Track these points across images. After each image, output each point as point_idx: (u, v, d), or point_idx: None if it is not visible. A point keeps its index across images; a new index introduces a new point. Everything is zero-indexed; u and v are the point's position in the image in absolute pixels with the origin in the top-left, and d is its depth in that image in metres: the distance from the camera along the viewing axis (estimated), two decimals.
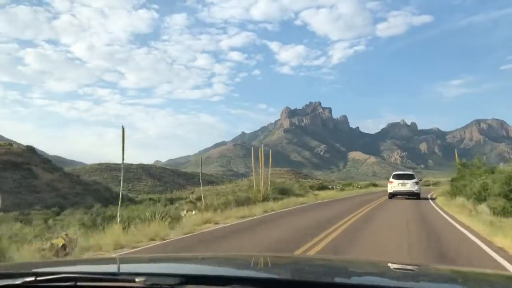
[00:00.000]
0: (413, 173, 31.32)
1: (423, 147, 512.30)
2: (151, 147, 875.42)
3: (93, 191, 51.06)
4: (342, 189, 53.48)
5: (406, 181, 28.49)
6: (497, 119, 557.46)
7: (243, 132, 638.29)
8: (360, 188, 63.80)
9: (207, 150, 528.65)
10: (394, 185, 28.68)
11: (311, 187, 50.66)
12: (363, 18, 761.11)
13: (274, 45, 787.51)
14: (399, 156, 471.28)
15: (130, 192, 77.73)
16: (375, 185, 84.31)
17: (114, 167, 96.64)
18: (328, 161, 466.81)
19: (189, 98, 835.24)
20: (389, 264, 2.18)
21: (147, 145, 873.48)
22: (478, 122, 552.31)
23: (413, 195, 28.03)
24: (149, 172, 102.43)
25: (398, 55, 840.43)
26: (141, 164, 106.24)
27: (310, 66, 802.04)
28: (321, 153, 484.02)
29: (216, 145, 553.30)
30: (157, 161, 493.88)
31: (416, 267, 2.27)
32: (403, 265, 2.21)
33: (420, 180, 32.09)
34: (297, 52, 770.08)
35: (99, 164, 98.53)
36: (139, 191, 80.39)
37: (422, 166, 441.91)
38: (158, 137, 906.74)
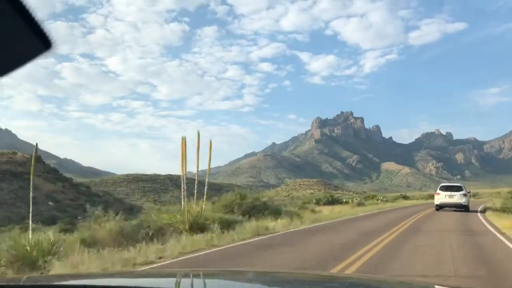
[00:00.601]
0: (461, 184, 30.37)
1: (459, 157, 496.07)
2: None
3: (100, 203, 49.62)
4: (359, 204, 40.07)
5: (453, 193, 27.79)
6: None
7: (273, 143, 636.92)
8: (386, 201, 51.27)
9: (238, 160, 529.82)
10: (441, 197, 28.06)
11: (319, 201, 42.60)
12: (395, 26, 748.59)
13: (304, 56, 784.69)
14: (434, 167, 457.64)
15: (155, 202, 77.26)
16: (405, 197, 73.42)
17: (142, 178, 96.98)
18: (361, 172, 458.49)
19: (220, 109, 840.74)
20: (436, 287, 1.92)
21: (179, 156, 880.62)
22: None
23: (461, 208, 27.09)
24: (176, 183, 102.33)
25: (431, 63, 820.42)
26: (168, 174, 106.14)
27: (341, 75, 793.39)
28: (353, 164, 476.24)
29: (247, 156, 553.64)
30: (189, 171, 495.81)
31: None
32: None
33: (469, 192, 31.10)
34: (327, 62, 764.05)
35: (127, 175, 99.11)
36: (164, 202, 79.93)
37: (458, 177, 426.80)
38: (190, 148, 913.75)
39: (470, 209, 28.06)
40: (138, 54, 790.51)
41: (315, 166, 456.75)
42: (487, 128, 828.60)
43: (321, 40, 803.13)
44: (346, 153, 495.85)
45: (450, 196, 27.64)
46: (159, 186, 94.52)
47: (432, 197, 45.66)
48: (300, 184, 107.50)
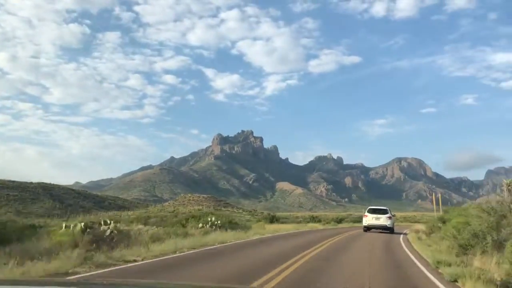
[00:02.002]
0: (387, 208, 31.74)
1: (348, 181, 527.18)
2: (73, 167, 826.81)
3: None
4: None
5: (380, 216, 29.63)
6: (416, 158, 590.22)
7: (172, 157, 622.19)
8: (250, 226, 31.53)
9: (132, 173, 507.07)
10: (369, 219, 29.79)
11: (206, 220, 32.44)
12: (297, 53, 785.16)
13: (209, 72, 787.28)
14: (325, 189, 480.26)
15: (19, 214, 66.85)
16: (316, 220, 59.82)
17: (8, 185, 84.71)
18: (257, 190, 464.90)
19: (118, 118, 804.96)
20: None
21: (69, 165, 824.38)
22: (399, 160, 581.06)
23: (386, 229, 29.16)
24: (51, 192, 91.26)
25: (328, 91, 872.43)
26: (41, 182, 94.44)
27: (244, 95, 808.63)
28: (250, 182, 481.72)
29: (143, 169, 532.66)
30: (76, 182, 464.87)
31: None
32: None
33: (394, 216, 32.62)
34: (232, 81, 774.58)
35: None
36: (30, 213, 69.64)
37: (346, 199, 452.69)
38: (81, 157, 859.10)
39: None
40: (30, 52, 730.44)
41: (213, 183, 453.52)
42: (373, 156, 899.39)
43: (227, 59, 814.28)
44: (244, 171, 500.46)
45: (377, 219, 29.48)
46: (29, 195, 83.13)
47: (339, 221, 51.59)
48: (189, 200, 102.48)
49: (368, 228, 30.12)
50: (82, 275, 8.61)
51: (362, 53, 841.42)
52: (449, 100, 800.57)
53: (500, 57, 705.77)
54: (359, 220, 74.74)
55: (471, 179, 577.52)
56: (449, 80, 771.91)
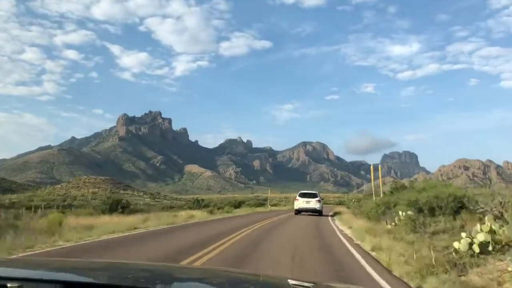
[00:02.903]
0: (317, 192, 34.21)
1: (256, 164, 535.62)
2: None
3: None
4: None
5: (310, 199, 31.39)
6: (320, 143, 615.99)
7: (73, 137, 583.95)
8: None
9: (28, 153, 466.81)
10: (300, 203, 31.38)
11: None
12: (208, 34, 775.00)
13: (115, 49, 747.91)
14: (234, 171, 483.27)
15: None
16: (202, 204, 47.19)
17: None
18: (164, 173, 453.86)
19: (12, 95, 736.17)
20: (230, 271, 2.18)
21: None
22: (304, 144, 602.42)
23: (316, 212, 30.95)
24: None
25: (239, 75, 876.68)
26: None
27: (152, 75, 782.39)
28: (157, 164, 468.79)
29: (41, 149, 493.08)
30: None
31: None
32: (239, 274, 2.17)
33: (323, 199, 34.65)
34: (140, 59, 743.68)
35: None
36: None
37: (254, 182, 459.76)
38: None
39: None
40: None
41: (117, 165, 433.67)
42: (281, 140, 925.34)
43: (135, 36, 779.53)
44: (151, 153, 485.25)
45: (307, 202, 31.16)
46: None
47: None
48: (85, 182, 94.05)
49: (299, 211, 31.42)
50: None
51: (273, 38, 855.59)
52: (351, 88, 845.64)
53: (398, 49, 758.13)
54: (264, 203, 72.95)
55: (369, 162, 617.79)
56: (352, 69, 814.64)
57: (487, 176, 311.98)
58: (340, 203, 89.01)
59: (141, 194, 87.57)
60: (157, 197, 76.65)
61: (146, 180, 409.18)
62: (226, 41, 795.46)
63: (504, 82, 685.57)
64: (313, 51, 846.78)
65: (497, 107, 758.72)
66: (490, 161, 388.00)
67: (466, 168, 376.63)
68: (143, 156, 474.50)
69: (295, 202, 32.20)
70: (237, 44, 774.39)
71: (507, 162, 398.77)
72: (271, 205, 65.36)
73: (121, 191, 79.58)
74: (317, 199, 31.46)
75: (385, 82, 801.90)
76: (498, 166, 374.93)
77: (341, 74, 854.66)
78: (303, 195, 32.13)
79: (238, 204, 56.63)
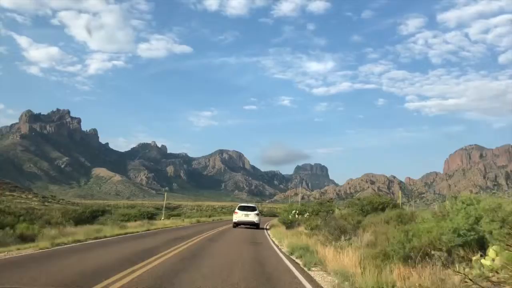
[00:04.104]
0: (255, 205, 34.66)
1: (170, 170, 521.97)
2: None
3: None
4: None
5: (249, 213, 31.45)
6: (237, 151, 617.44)
7: None
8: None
9: None
10: (239, 216, 31.32)
11: None
12: (126, 33, 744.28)
13: (23, 40, 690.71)
14: (146, 177, 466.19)
15: None
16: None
17: None
18: (69, 176, 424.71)
19: None
20: None
21: None
22: (221, 152, 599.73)
23: (254, 225, 31.20)
24: None
25: (157, 78, 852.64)
26: None
27: (63, 71, 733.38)
28: (62, 166, 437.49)
29: None
30: None
31: None
32: None
33: (261, 212, 36.01)
34: (50, 54, 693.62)
35: None
36: None
37: (167, 188, 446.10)
38: None
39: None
40: None
41: (16, 165, 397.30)
42: (197, 147, 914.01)
43: (46, 28, 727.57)
44: (56, 154, 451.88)
45: (246, 215, 31.24)
46: None
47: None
48: None
49: (237, 224, 31.49)
50: None
51: (194, 44, 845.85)
52: (268, 100, 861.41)
53: (314, 66, 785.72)
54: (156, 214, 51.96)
55: (282, 173, 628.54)
56: (271, 81, 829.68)
57: (391, 191, 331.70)
58: (274, 215, 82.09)
59: (30, 197, 77.77)
60: (48, 200, 68.16)
61: (48, 182, 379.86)
62: (145, 42, 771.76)
63: (408, 104, 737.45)
64: (233, 60, 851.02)
65: (401, 126, 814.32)
66: (394, 176, 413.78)
67: (372, 182, 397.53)
68: (47, 156, 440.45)
69: (234, 215, 32.23)
70: (157, 47, 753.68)
71: (409, 178, 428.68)
72: (167, 218, 48.40)
73: (7, 192, 69.62)
74: (255, 212, 31.83)
75: (301, 97, 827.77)
76: (400, 182, 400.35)
77: (261, 85, 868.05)
78: (242, 208, 32.33)
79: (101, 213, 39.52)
